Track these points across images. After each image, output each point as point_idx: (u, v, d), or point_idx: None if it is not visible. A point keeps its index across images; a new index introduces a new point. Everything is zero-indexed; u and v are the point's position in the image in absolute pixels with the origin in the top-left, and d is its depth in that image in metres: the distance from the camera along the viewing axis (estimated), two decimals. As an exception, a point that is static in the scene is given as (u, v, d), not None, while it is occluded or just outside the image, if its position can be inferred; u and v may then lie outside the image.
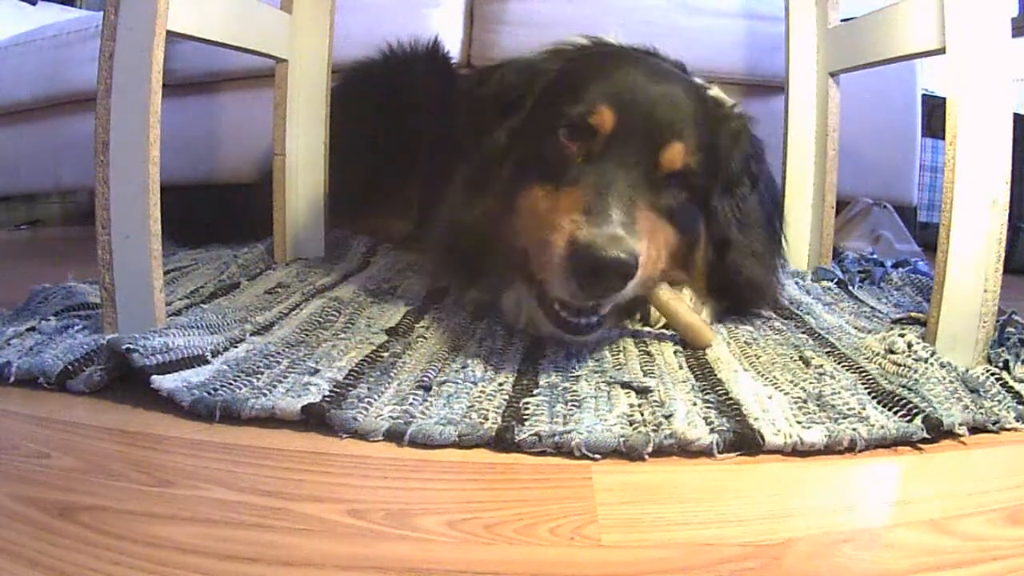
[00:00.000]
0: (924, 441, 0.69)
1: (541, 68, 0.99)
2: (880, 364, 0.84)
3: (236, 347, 0.86)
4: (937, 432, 0.69)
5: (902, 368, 0.81)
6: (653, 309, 0.98)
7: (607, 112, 0.87)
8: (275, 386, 0.75)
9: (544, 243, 0.81)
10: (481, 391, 0.75)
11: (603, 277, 0.77)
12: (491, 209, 0.96)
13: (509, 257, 0.92)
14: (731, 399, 0.74)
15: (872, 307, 1.14)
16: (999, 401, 0.76)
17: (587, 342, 0.89)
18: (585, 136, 0.88)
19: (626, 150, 0.87)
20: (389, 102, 1.48)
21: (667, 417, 0.69)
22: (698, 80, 1.06)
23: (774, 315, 1.08)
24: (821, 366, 0.84)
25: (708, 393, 0.76)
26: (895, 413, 0.72)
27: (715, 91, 1.06)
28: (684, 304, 0.95)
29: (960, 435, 0.71)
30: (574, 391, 0.76)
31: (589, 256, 0.76)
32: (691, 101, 0.94)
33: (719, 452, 0.66)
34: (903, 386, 0.77)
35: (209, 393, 0.72)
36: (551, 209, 0.85)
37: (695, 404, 0.73)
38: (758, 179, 1.05)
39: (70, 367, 0.78)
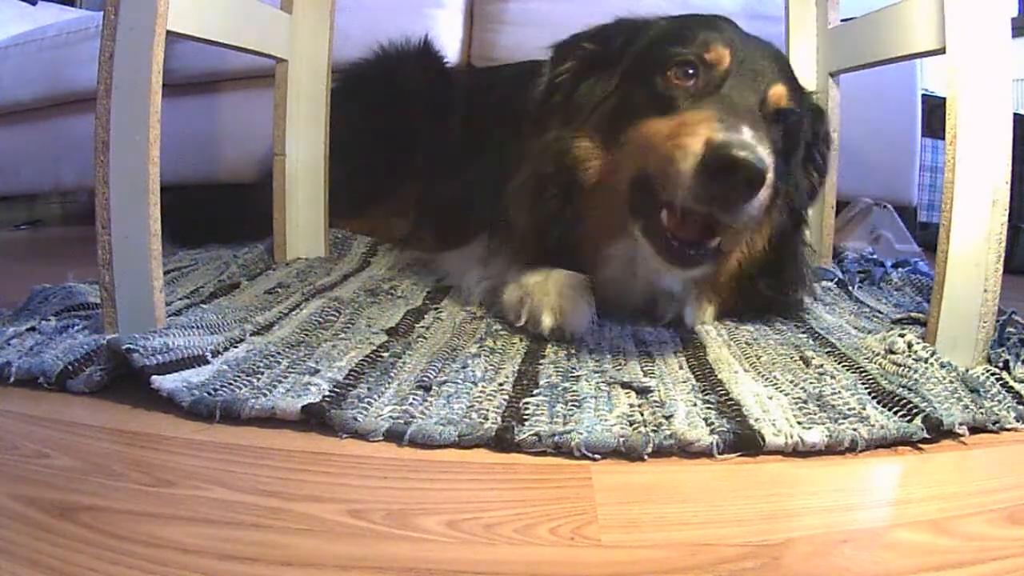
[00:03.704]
0: (924, 441, 0.69)
1: (638, 25, 1.02)
2: (880, 364, 0.84)
3: (236, 347, 0.86)
4: (937, 432, 0.69)
5: (902, 368, 0.81)
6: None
7: (723, 49, 0.91)
8: (275, 386, 0.75)
9: (673, 155, 0.80)
10: (481, 391, 0.75)
11: (739, 177, 0.76)
12: (587, 150, 0.95)
13: (612, 198, 0.92)
14: (731, 399, 0.74)
15: (872, 307, 1.14)
16: (999, 401, 0.76)
17: (693, 276, 0.92)
18: (699, 73, 0.90)
19: (742, 84, 0.89)
20: (383, 102, 1.48)
21: (667, 417, 0.69)
22: None
23: (775, 315, 1.08)
24: (821, 366, 0.84)
25: (708, 393, 0.76)
26: (895, 413, 0.72)
27: None
28: None
29: (960, 435, 0.71)
30: (574, 391, 0.76)
31: (727, 154, 0.75)
32: (786, 60, 1.00)
33: (719, 453, 0.66)
34: (903, 386, 0.77)
35: (209, 393, 0.72)
36: (679, 126, 0.84)
37: (695, 404, 0.73)
38: (825, 170, 1.07)
39: (70, 367, 0.78)
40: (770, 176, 0.79)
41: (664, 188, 0.82)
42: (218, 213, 1.67)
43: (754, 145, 0.76)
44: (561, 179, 0.96)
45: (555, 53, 1.05)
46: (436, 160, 1.44)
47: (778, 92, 0.92)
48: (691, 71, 0.90)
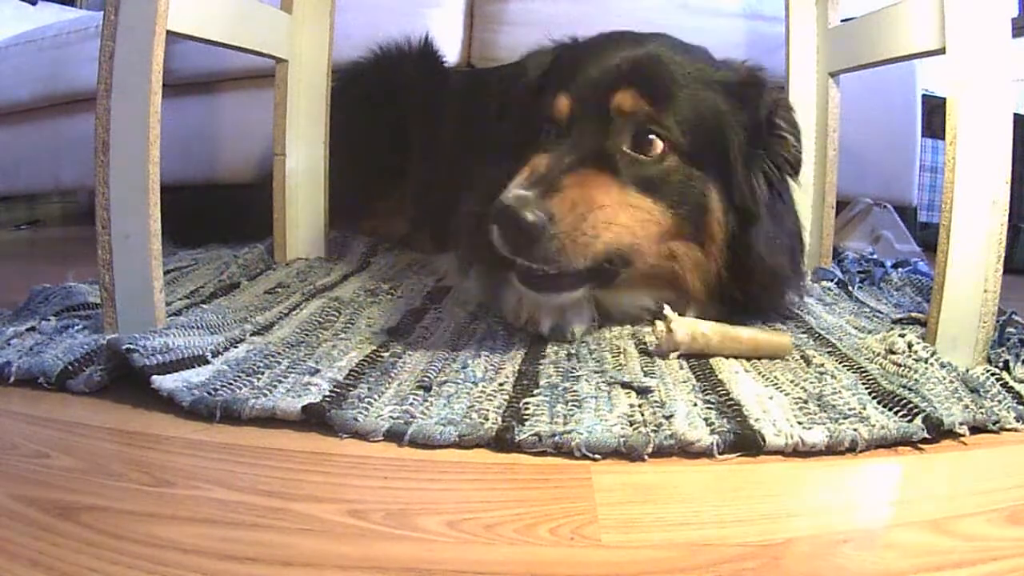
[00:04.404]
0: (924, 441, 0.69)
1: (531, 65, 1.04)
2: (881, 364, 0.84)
3: (236, 347, 0.86)
4: (938, 432, 0.69)
5: (902, 368, 0.81)
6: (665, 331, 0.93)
7: (564, 100, 0.92)
8: (275, 386, 0.75)
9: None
10: (481, 391, 0.75)
11: (515, 232, 0.82)
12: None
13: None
14: (732, 400, 0.74)
15: (872, 307, 1.14)
16: (999, 401, 0.76)
17: (563, 301, 0.92)
18: (553, 124, 0.93)
19: (584, 127, 0.90)
20: (382, 103, 1.48)
21: (668, 418, 0.69)
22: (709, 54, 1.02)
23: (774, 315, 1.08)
24: (822, 366, 0.84)
25: (709, 394, 0.76)
26: (896, 413, 0.72)
27: (740, 63, 1.00)
28: (735, 330, 0.90)
29: (961, 435, 0.71)
30: (574, 391, 0.76)
31: (500, 213, 0.82)
32: (671, 59, 0.93)
33: (719, 453, 0.66)
34: (903, 386, 0.77)
35: (209, 393, 0.72)
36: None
37: (696, 405, 0.73)
38: (798, 164, 0.99)
39: (70, 367, 0.78)
40: (565, 219, 0.82)
41: None
42: (218, 213, 1.67)
43: (528, 200, 0.81)
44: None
45: (506, 74, 1.07)
46: (434, 161, 1.44)
47: (620, 99, 0.89)
48: (547, 123, 0.94)
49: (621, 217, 0.87)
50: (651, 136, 0.89)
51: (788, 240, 1.03)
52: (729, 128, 0.93)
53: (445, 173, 1.38)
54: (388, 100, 1.49)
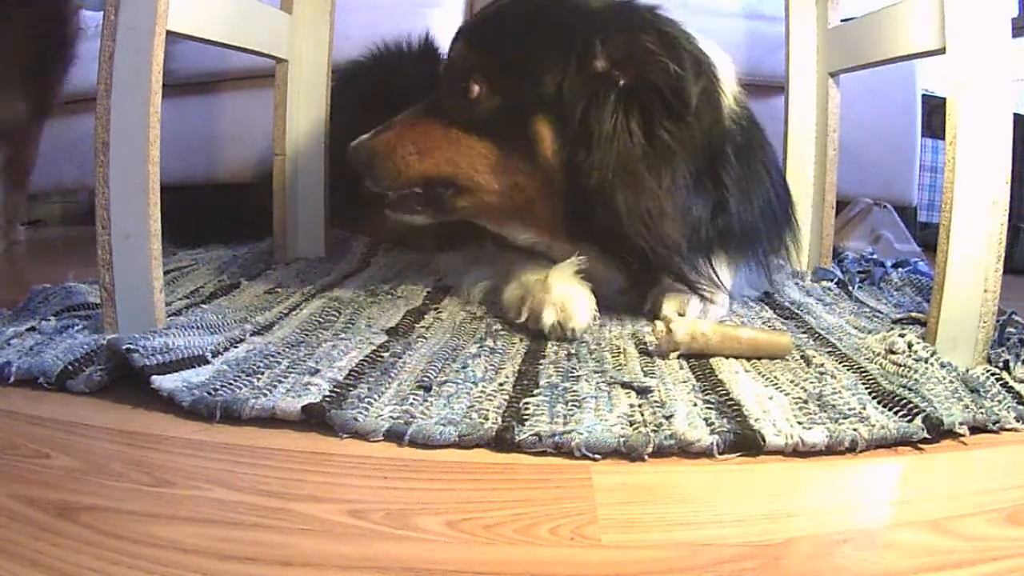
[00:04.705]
0: (924, 441, 0.69)
1: None
2: (881, 364, 0.84)
3: (236, 347, 0.86)
4: (938, 432, 0.69)
5: (902, 368, 0.81)
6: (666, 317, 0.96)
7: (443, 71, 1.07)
8: (275, 386, 0.75)
9: None
10: (481, 391, 0.75)
11: (354, 163, 1.05)
12: None
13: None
14: (732, 400, 0.74)
15: (872, 307, 1.14)
16: (999, 401, 0.76)
17: (414, 220, 1.07)
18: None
19: (442, 83, 1.05)
20: (382, 101, 1.48)
21: (668, 418, 0.69)
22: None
23: (774, 315, 1.08)
24: (822, 366, 0.84)
25: (709, 394, 0.76)
26: (896, 413, 0.72)
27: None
28: (735, 330, 0.89)
29: (961, 435, 0.71)
30: (574, 391, 0.76)
31: (348, 153, 1.06)
32: (514, 11, 1.02)
33: (719, 453, 0.66)
34: (903, 386, 0.77)
35: (209, 393, 0.72)
36: None
37: (696, 405, 0.73)
38: (680, 99, 0.92)
39: (70, 367, 0.78)
40: (389, 156, 1.02)
41: None
42: (218, 213, 1.67)
43: (360, 144, 1.04)
44: None
45: None
46: None
47: (451, 55, 1.04)
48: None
49: (438, 151, 1.01)
50: (471, 81, 0.98)
51: (655, 175, 0.94)
52: (549, 67, 0.95)
53: None
54: (388, 99, 1.48)
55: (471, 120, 0.99)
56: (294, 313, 1.01)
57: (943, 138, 0.86)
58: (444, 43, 1.66)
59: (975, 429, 0.72)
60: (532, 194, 0.99)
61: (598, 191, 0.93)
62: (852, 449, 0.67)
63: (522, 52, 0.98)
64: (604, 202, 0.94)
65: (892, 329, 0.94)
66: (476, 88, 0.98)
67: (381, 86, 1.49)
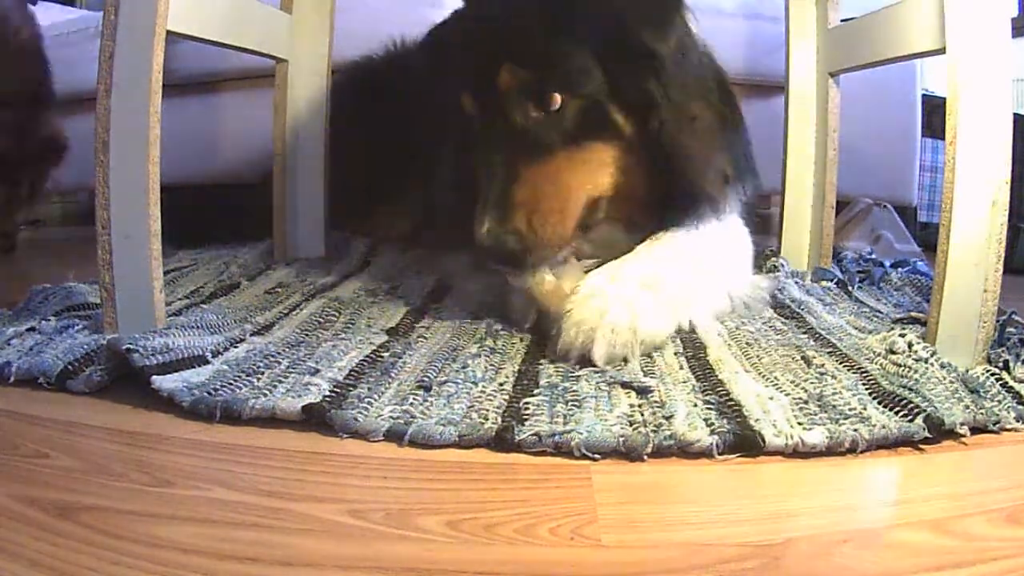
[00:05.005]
0: (925, 441, 0.69)
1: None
2: (881, 364, 0.84)
3: (236, 347, 0.86)
4: (939, 432, 0.69)
5: (903, 368, 0.81)
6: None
7: (467, 100, 0.97)
8: (275, 386, 0.75)
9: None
10: (481, 391, 0.75)
11: (503, 262, 0.91)
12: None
13: None
14: (732, 400, 0.74)
15: (872, 307, 1.14)
16: (999, 401, 0.76)
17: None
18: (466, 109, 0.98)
19: (493, 116, 0.94)
20: (390, 100, 1.48)
21: (667, 418, 0.69)
22: None
23: (775, 315, 1.08)
24: (822, 366, 0.84)
25: (709, 394, 0.76)
26: (896, 413, 0.72)
27: None
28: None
29: (962, 435, 0.71)
30: (574, 391, 0.76)
31: (487, 252, 0.91)
32: (532, 15, 0.94)
33: (719, 453, 0.66)
34: (904, 386, 0.77)
35: (209, 393, 0.72)
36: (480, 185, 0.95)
37: (696, 405, 0.73)
38: (686, 45, 0.99)
39: (70, 367, 0.78)
40: (540, 229, 0.89)
41: None
42: (218, 213, 1.67)
43: (497, 236, 0.89)
44: None
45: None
46: (441, 163, 1.44)
47: (503, 80, 0.92)
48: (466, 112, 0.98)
49: (573, 190, 0.93)
50: (547, 96, 0.92)
51: (702, 113, 1.01)
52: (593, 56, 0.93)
53: (453, 175, 1.37)
54: (397, 98, 1.48)
55: (566, 134, 0.93)
56: (294, 313, 1.01)
57: (943, 138, 0.86)
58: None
59: (975, 429, 0.72)
60: (633, 174, 0.96)
61: (672, 150, 0.95)
62: (853, 450, 0.67)
63: (565, 52, 0.93)
64: (678, 156, 0.96)
65: (892, 329, 0.94)
66: (557, 98, 0.91)
67: (393, 85, 1.48)
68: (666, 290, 0.92)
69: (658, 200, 0.99)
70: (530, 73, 0.92)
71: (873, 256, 1.46)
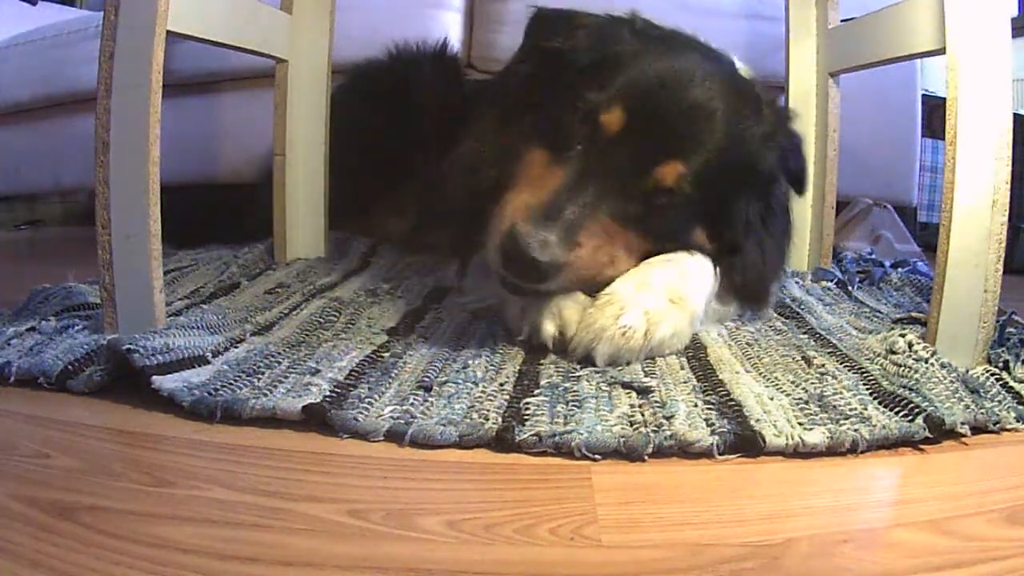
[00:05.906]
0: (925, 441, 0.69)
1: (595, 42, 0.97)
2: (881, 364, 0.84)
3: (236, 347, 0.86)
4: (939, 432, 0.69)
5: (903, 368, 0.81)
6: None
7: (618, 114, 0.87)
8: (276, 386, 0.75)
9: (499, 215, 0.85)
10: (482, 391, 0.75)
11: (522, 265, 0.81)
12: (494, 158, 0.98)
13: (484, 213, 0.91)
14: (732, 400, 0.74)
15: (872, 307, 1.14)
16: (999, 401, 0.76)
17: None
18: (594, 127, 0.87)
19: (622, 156, 0.86)
20: (393, 102, 1.48)
21: (668, 418, 0.69)
22: (742, 70, 1.04)
23: (775, 315, 1.08)
24: (823, 366, 0.84)
25: (709, 394, 0.76)
26: (897, 413, 0.72)
27: (759, 88, 1.02)
28: None
29: (962, 435, 0.71)
30: (575, 391, 0.76)
31: (515, 248, 0.80)
32: (719, 106, 0.90)
33: (720, 453, 0.66)
34: (904, 386, 0.77)
35: (209, 393, 0.72)
36: (524, 187, 0.88)
37: (696, 405, 0.73)
38: (803, 183, 1.04)
39: (70, 367, 0.78)
40: (578, 262, 0.83)
41: (488, 235, 0.87)
42: (218, 213, 1.67)
43: (550, 244, 0.80)
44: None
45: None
46: (443, 168, 1.43)
47: (665, 173, 0.87)
48: (587, 121, 0.88)
49: (619, 254, 0.90)
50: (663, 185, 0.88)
51: (775, 250, 1.04)
52: (745, 172, 0.94)
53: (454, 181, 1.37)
54: (399, 100, 1.48)
55: (649, 223, 0.90)
56: (294, 313, 1.01)
57: (943, 138, 0.86)
58: (456, 46, 1.66)
59: (975, 429, 0.72)
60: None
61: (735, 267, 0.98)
62: (853, 450, 0.67)
63: (728, 152, 0.90)
64: (745, 282, 0.99)
65: (892, 329, 0.94)
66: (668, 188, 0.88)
67: (398, 87, 1.48)
68: (689, 301, 0.91)
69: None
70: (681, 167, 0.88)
71: (873, 256, 1.46)
